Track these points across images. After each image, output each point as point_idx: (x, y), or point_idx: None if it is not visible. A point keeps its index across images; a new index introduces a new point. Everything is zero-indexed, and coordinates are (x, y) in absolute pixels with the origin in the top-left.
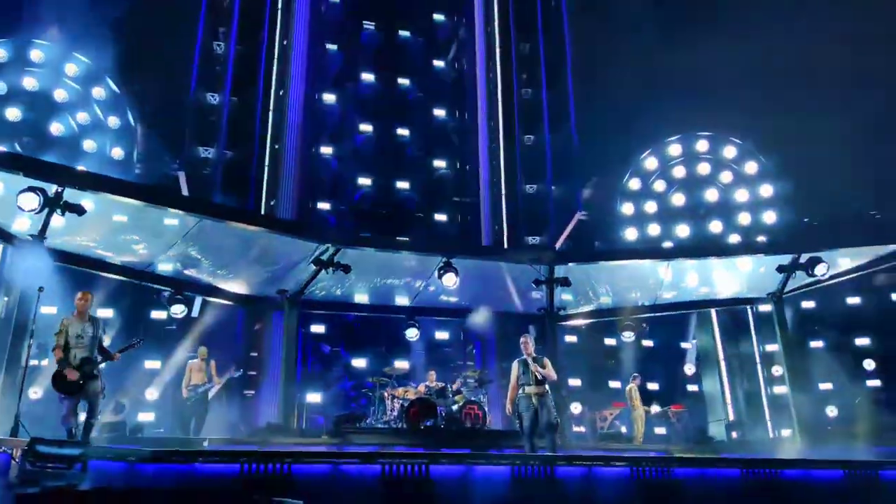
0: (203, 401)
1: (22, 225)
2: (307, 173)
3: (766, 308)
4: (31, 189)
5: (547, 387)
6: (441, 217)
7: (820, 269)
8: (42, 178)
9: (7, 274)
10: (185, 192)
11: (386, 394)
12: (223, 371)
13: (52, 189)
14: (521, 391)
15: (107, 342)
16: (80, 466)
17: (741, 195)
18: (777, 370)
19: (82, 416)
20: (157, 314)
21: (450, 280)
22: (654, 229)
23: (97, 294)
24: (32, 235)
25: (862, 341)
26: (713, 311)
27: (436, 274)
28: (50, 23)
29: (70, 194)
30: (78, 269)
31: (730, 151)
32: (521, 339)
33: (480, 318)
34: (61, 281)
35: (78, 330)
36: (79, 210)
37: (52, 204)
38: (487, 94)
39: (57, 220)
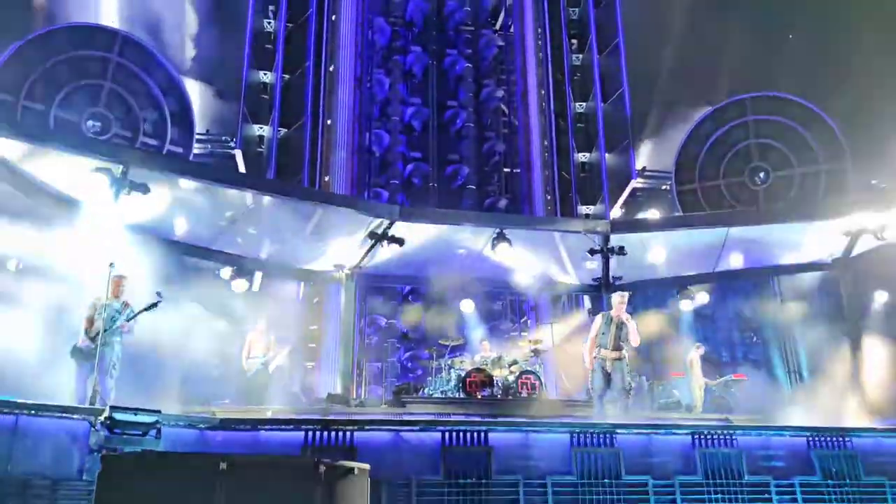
0: (264, 372)
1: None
2: (358, 149)
3: (831, 273)
4: (99, 170)
5: (625, 351)
6: (492, 188)
7: (889, 233)
8: (109, 159)
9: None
10: (241, 169)
11: (442, 364)
12: (282, 344)
13: (118, 169)
14: (597, 352)
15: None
16: (154, 433)
17: (803, 159)
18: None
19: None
20: (219, 289)
21: (503, 251)
22: (712, 196)
23: (161, 271)
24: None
25: None
26: (776, 279)
27: (489, 245)
28: (107, 8)
29: (134, 174)
30: (143, 247)
31: (790, 113)
32: (616, 298)
33: (535, 287)
34: (129, 258)
35: (105, 308)
36: (143, 189)
37: (118, 183)
38: (537, 63)
39: (124, 199)
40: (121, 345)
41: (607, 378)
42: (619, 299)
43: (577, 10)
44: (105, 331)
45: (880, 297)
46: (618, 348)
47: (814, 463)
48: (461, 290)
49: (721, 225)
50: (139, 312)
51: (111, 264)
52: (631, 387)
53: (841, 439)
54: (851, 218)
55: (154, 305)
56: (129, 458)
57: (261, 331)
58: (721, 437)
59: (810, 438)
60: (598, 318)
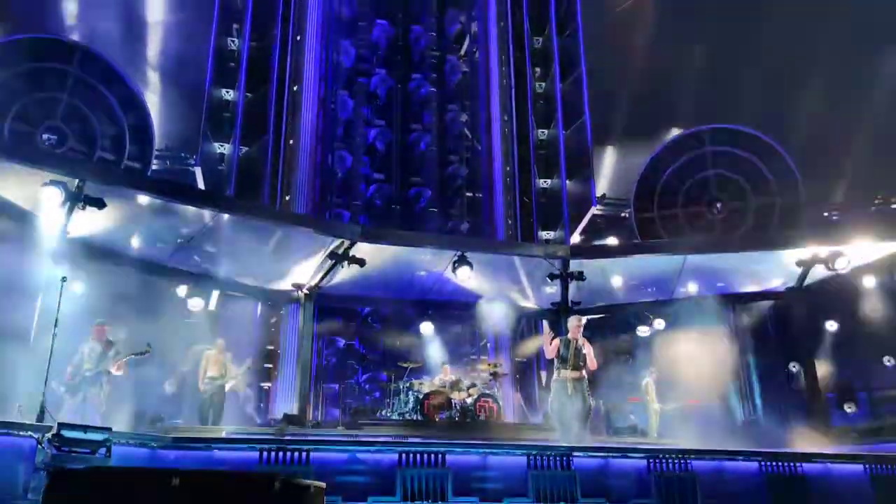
0: (220, 392)
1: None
2: (321, 169)
3: (784, 303)
4: (53, 183)
5: (584, 372)
6: (454, 212)
7: (840, 264)
8: (63, 173)
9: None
10: (201, 186)
11: (401, 386)
12: (239, 364)
13: (73, 183)
14: (556, 374)
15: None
16: (104, 451)
17: (758, 188)
18: (795, 365)
19: None
20: (175, 308)
21: (464, 274)
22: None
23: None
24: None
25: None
26: (731, 306)
27: (450, 268)
28: (69, 21)
29: (91, 188)
30: (97, 263)
31: (745, 144)
32: (573, 322)
33: (494, 311)
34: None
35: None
36: (99, 204)
37: (73, 198)
38: (500, 89)
39: (78, 215)
40: (109, 384)
41: (568, 400)
42: (575, 322)
43: (541, 38)
44: (95, 372)
45: (830, 326)
46: (577, 368)
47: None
48: (421, 313)
49: (678, 252)
50: (128, 357)
51: (63, 279)
52: (591, 408)
53: (792, 465)
54: (805, 249)
55: (142, 354)
56: (78, 474)
57: (218, 350)
58: (676, 461)
59: (762, 464)
60: (556, 340)
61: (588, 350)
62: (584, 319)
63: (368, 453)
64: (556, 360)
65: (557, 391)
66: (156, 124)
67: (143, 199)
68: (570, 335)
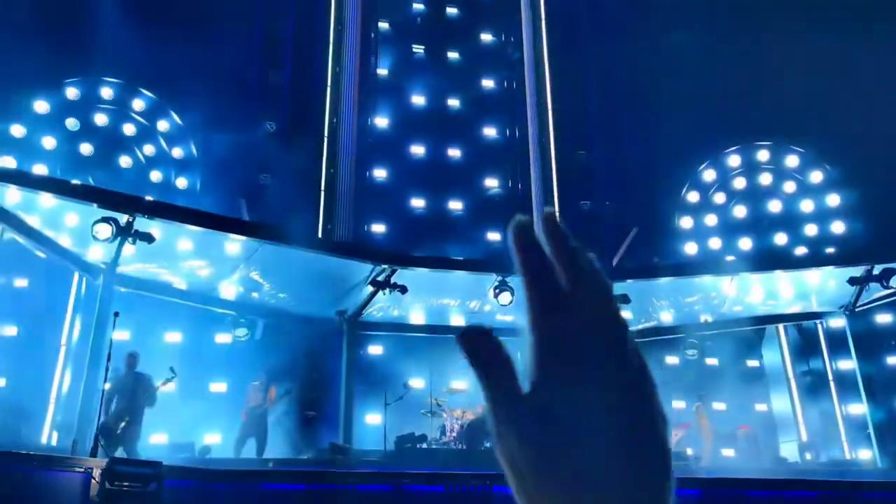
0: (261, 422)
1: (96, 253)
2: (361, 195)
3: (837, 323)
4: (105, 220)
5: None
6: (494, 236)
7: (895, 281)
8: (115, 209)
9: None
10: (245, 217)
11: (445, 414)
12: (279, 394)
13: (123, 218)
14: None
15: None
16: (155, 485)
17: (806, 205)
18: (852, 388)
19: None
20: (222, 337)
21: (505, 299)
22: (715, 243)
23: (165, 319)
24: (105, 263)
25: None
26: (780, 327)
27: (491, 293)
28: (116, 60)
29: (140, 223)
30: (147, 294)
31: (792, 160)
32: None
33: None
34: (133, 306)
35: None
36: (148, 238)
37: (123, 233)
38: (538, 111)
39: (128, 248)
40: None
41: None
42: None
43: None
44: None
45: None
46: None
47: None
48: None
49: (725, 271)
50: (158, 388)
51: (116, 314)
52: None
53: (853, 494)
54: (860, 266)
55: (169, 380)
56: None
57: (261, 382)
58: (731, 489)
59: (820, 493)
60: None
61: None
62: None
63: (414, 485)
64: None
65: None
66: (202, 156)
67: (191, 230)
68: None
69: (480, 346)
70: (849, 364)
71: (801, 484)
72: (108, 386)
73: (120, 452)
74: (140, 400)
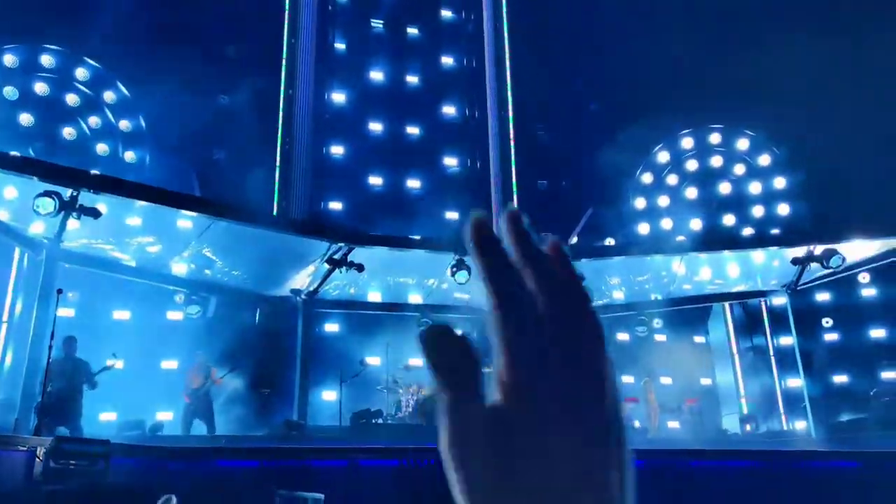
0: (205, 403)
1: (37, 228)
2: (317, 172)
3: (780, 301)
4: (46, 193)
5: None
6: (452, 214)
7: (835, 261)
8: (57, 182)
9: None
10: (197, 193)
11: (401, 391)
12: (221, 374)
13: (67, 192)
14: None
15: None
16: (102, 463)
17: (755, 187)
18: (792, 363)
19: None
20: (174, 315)
21: (463, 277)
22: (667, 223)
23: (114, 296)
24: (48, 238)
25: (877, 333)
26: (726, 305)
27: (448, 271)
28: (58, 26)
29: (85, 197)
30: (94, 271)
31: (743, 143)
32: None
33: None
34: (79, 283)
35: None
36: (94, 213)
37: (67, 207)
38: (497, 89)
39: (72, 224)
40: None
41: None
42: None
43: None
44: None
45: (826, 324)
46: None
47: (762, 485)
48: (421, 316)
49: (675, 251)
50: (99, 373)
51: (59, 291)
52: None
53: (790, 462)
54: (802, 247)
55: (106, 369)
56: (74, 494)
57: (199, 364)
58: (674, 460)
59: (759, 463)
60: None
61: None
62: None
63: (369, 459)
64: None
65: None
66: (151, 129)
67: (139, 206)
68: None
69: (445, 347)
70: (789, 340)
71: (739, 454)
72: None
73: (62, 431)
74: (77, 383)
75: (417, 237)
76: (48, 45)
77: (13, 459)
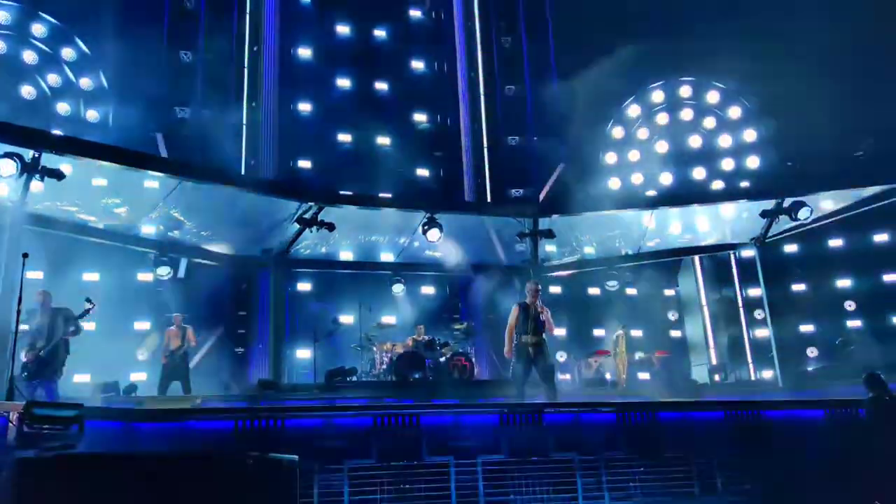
0: (182, 364)
1: (0, 191)
2: (286, 130)
3: (748, 253)
4: (7, 155)
5: (544, 336)
6: (423, 172)
7: (803, 213)
8: (18, 144)
9: None
10: (163, 153)
11: (374, 348)
12: (200, 336)
13: (28, 154)
14: (517, 338)
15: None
16: (76, 427)
17: (724, 140)
18: (759, 314)
19: None
20: (144, 276)
21: (434, 235)
22: (637, 178)
23: (82, 258)
24: (12, 201)
25: (843, 283)
26: (696, 258)
27: (420, 229)
28: None
29: (48, 159)
30: (60, 234)
31: (713, 96)
32: (533, 285)
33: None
34: (45, 246)
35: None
36: (58, 175)
37: (30, 169)
38: (466, 44)
39: (36, 186)
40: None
41: (529, 363)
42: (532, 287)
43: None
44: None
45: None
46: (537, 333)
47: (729, 436)
48: (393, 274)
49: (645, 207)
50: (78, 318)
51: (25, 255)
52: (553, 370)
53: (756, 412)
54: (770, 200)
55: (86, 312)
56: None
57: (177, 325)
58: (643, 413)
59: (727, 413)
60: (515, 308)
61: (546, 315)
62: (538, 284)
63: (343, 418)
64: (516, 327)
65: (518, 355)
66: (112, 89)
67: (104, 167)
68: (528, 300)
69: None
70: (757, 292)
71: (708, 405)
72: (24, 328)
73: (39, 393)
74: (58, 336)
75: (388, 195)
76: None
77: None
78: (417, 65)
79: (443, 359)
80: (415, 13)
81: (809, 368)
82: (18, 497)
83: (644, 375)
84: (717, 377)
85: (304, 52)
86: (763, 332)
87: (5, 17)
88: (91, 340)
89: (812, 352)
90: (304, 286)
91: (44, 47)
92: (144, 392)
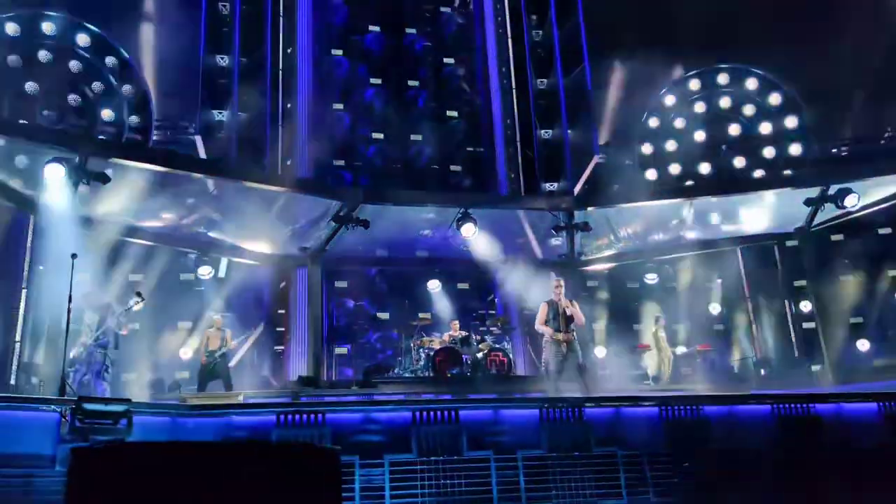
0: (222, 365)
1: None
2: (320, 131)
3: (793, 243)
4: (56, 160)
5: (573, 333)
6: (456, 168)
7: (850, 201)
8: (66, 149)
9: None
10: (202, 155)
11: (412, 344)
12: (243, 335)
13: (76, 159)
14: (550, 336)
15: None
16: (125, 422)
17: (765, 128)
18: (806, 305)
19: None
20: (186, 276)
21: (468, 230)
22: (675, 168)
23: (126, 260)
24: (59, 205)
25: (894, 272)
26: (738, 249)
27: (454, 225)
28: None
29: (93, 163)
30: (107, 236)
31: (751, 83)
32: (555, 282)
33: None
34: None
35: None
36: (103, 178)
37: (76, 173)
38: (497, 39)
39: (82, 189)
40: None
41: (563, 359)
42: (554, 284)
43: None
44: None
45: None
46: (568, 329)
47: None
48: (428, 271)
49: (683, 196)
50: (126, 311)
51: (74, 256)
52: (586, 365)
53: (805, 406)
54: (814, 188)
55: (135, 304)
56: (99, 451)
57: (215, 328)
58: (687, 407)
59: (774, 406)
60: (543, 305)
61: (574, 309)
62: (561, 281)
63: (383, 412)
64: (547, 324)
65: (552, 352)
66: (154, 95)
67: (147, 170)
68: (553, 298)
69: None
70: (802, 283)
71: (754, 398)
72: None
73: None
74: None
75: (422, 192)
76: (47, 12)
77: (40, 419)
78: (448, 61)
79: (480, 354)
80: (445, 10)
81: (860, 361)
82: (77, 483)
83: (687, 370)
84: (762, 371)
85: (337, 53)
86: (810, 325)
87: (51, 28)
88: (138, 340)
89: (863, 344)
90: (340, 283)
91: (88, 56)
92: (188, 389)
